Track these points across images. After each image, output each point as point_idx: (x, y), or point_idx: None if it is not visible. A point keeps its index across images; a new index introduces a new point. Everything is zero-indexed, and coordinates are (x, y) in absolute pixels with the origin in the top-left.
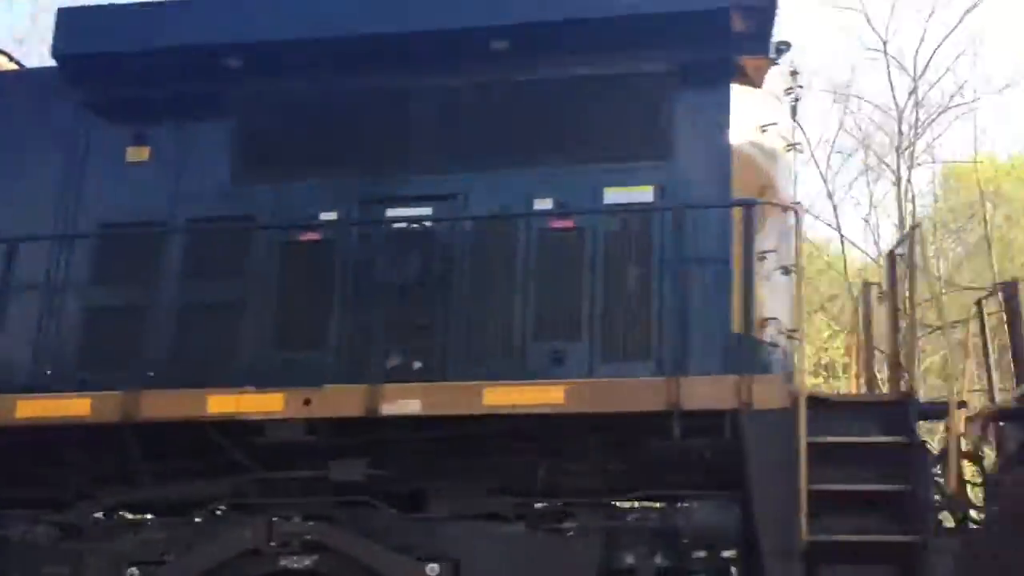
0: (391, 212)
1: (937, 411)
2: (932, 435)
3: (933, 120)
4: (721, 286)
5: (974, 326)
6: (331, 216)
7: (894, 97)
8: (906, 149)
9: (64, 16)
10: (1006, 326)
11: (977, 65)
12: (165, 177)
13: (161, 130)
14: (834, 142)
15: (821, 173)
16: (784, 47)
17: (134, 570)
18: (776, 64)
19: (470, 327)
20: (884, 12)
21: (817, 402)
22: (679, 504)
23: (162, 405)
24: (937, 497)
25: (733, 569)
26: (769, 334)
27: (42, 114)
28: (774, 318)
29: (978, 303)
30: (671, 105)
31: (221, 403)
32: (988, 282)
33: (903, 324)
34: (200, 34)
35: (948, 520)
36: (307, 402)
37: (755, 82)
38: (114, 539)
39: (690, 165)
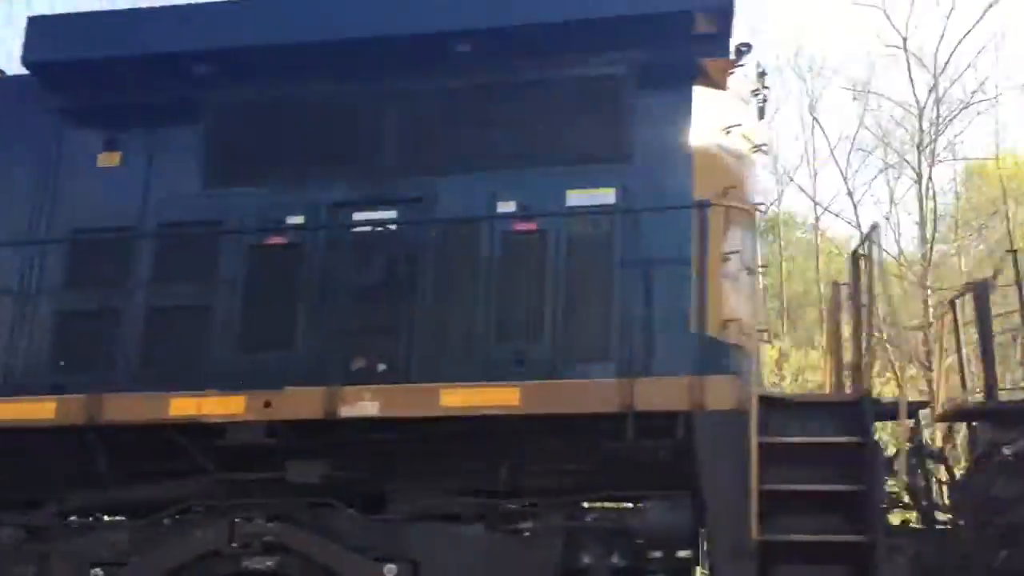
0: (357, 216)
1: (894, 411)
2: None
3: (954, 117)
4: (681, 287)
5: (946, 326)
6: (298, 220)
7: (915, 94)
8: (927, 146)
9: (34, 24)
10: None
11: (998, 61)
12: (136, 182)
13: (132, 136)
14: (854, 140)
15: (841, 171)
16: (745, 49)
17: (98, 571)
18: (738, 66)
19: (434, 329)
20: (904, 9)
21: (773, 403)
22: (633, 504)
23: (125, 408)
24: (905, 497)
25: (699, 570)
26: (732, 335)
27: (16, 120)
28: (736, 319)
29: (951, 303)
30: (632, 107)
31: (182, 406)
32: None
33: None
34: (169, 41)
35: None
36: (267, 404)
37: (718, 84)
38: (79, 540)
39: (651, 167)
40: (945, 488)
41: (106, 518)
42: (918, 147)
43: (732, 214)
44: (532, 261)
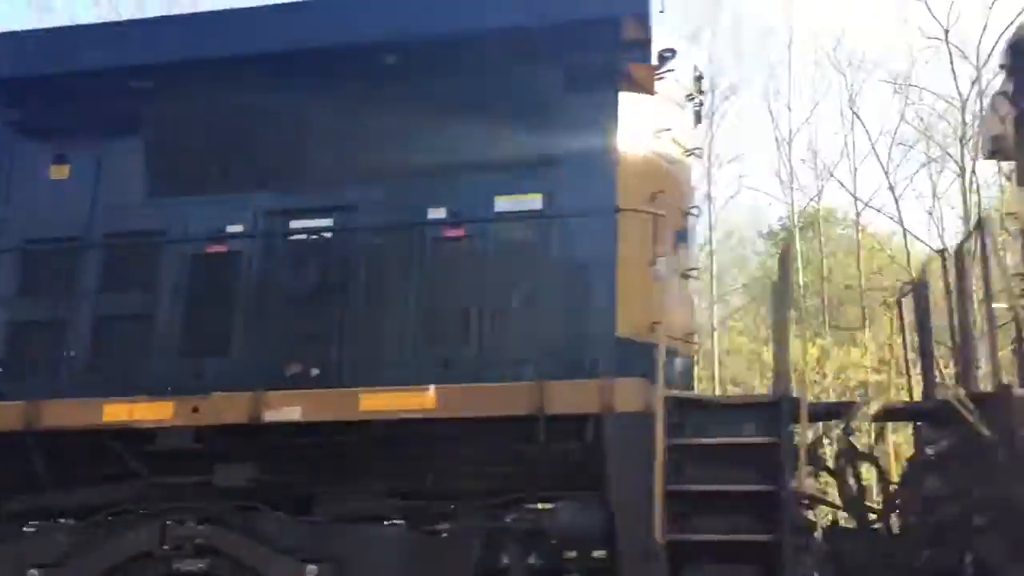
0: (294, 224)
1: (818, 413)
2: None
3: None
4: (603, 291)
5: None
6: (237, 229)
7: (957, 86)
8: (970, 139)
9: None
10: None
11: None
12: (84, 193)
13: (80, 149)
14: (895, 134)
15: (882, 165)
16: (669, 54)
17: (35, 572)
18: (665, 71)
19: (366, 335)
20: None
21: (695, 404)
22: (546, 505)
23: (62, 414)
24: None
25: None
26: (660, 337)
27: None
28: (661, 321)
29: (898, 302)
30: (558, 113)
31: (115, 412)
32: None
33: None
34: (112, 56)
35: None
36: (195, 410)
37: (646, 89)
38: (17, 543)
39: (577, 172)
40: (877, 487)
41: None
42: (961, 140)
43: (663, 218)
44: (460, 266)
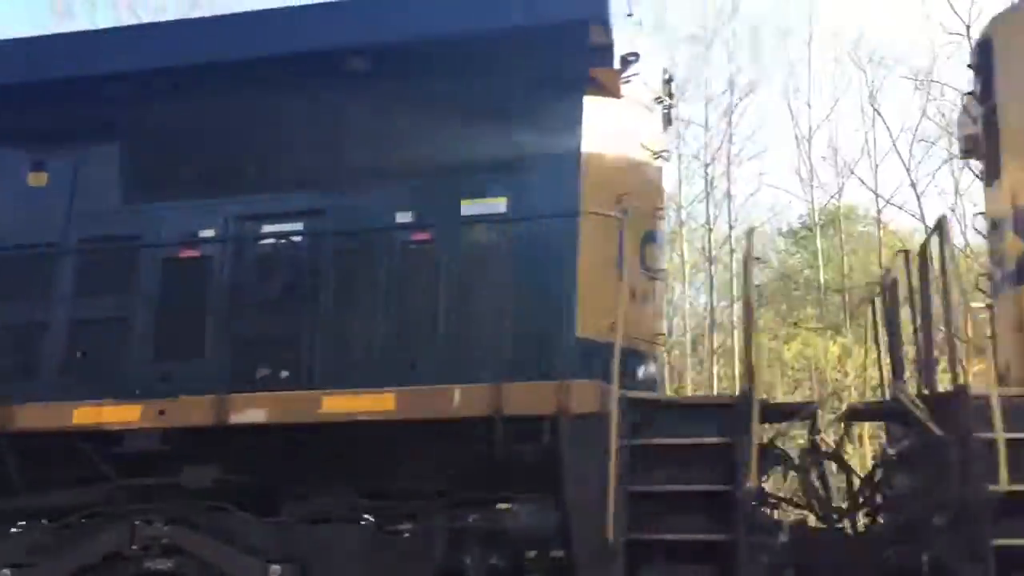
0: (266, 228)
1: (777, 414)
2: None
3: None
4: (565, 293)
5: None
6: (209, 233)
7: None
8: None
9: None
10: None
11: None
12: (61, 199)
13: (57, 156)
14: (916, 130)
15: (903, 162)
16: (632, 58)
17: (6, 571)
18: (630, 75)
19: (334, 338)
20: None
21: (661, 405)
22: (504, 506)
23: (33, 417)
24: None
25: None
26: (625, 339)
27: None
28: (623, 323)
29: (872, 301)
30: (524, 117)
31: (84, 415)
32: None
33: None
34: (86, 64)
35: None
36: (162, 412)
37: (612, 93)
38: None
39: (541, 176)
40: (842, 487)
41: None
42: None
43: (626, 220)
44: (427, 270)
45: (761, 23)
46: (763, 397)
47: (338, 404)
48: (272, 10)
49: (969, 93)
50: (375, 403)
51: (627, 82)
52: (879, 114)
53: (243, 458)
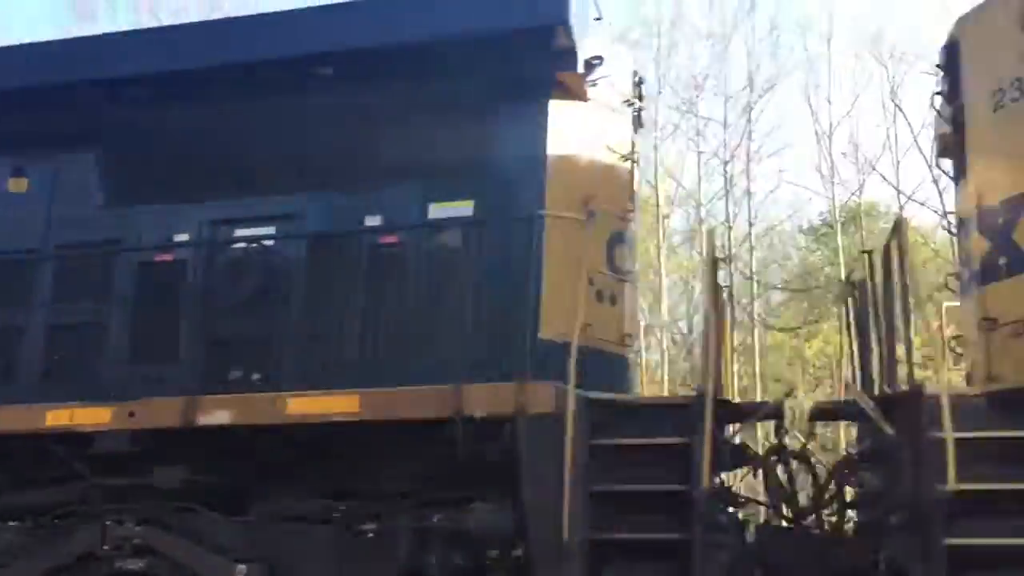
0: (239, 232)
1: (737, 414)
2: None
3: None
4: (529, 295)
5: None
6: (183, 237)
7: None
8: None
9: None
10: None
11: None
12: (40, 205)
13: (37, 162)
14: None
15: (925, 158)
16: (597, 61)
17: None
18: (598, 78)
19: (305, 340)
20: None
21: (624, 404)
22: (465, 506)
23: (7, 419)
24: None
25: None
26: (592, 340)
27: None
28: (589, 324)
29: (845, 302)
30: (489, 121)
31: (56, 416)
32: None
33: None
34: (64, 71)
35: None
36: (131, 414)
37: (578, 96)
38: None
39: (507, 178)
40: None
41: None
42: None
43: (592, 222)
44: (395, 273)
45: (780, 19)
46: (732, 398)
47: (303, 406)
48: (239, 17)
49: (938, 93)
50: (340, 404)
51: (594, 85)
52: (900, 110)
53: (212, 459)
